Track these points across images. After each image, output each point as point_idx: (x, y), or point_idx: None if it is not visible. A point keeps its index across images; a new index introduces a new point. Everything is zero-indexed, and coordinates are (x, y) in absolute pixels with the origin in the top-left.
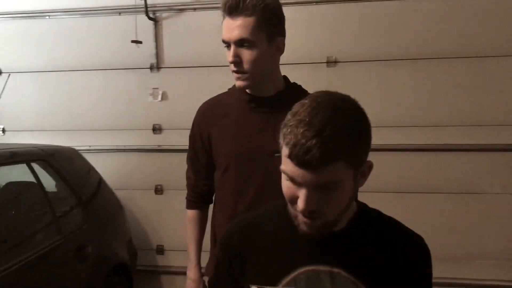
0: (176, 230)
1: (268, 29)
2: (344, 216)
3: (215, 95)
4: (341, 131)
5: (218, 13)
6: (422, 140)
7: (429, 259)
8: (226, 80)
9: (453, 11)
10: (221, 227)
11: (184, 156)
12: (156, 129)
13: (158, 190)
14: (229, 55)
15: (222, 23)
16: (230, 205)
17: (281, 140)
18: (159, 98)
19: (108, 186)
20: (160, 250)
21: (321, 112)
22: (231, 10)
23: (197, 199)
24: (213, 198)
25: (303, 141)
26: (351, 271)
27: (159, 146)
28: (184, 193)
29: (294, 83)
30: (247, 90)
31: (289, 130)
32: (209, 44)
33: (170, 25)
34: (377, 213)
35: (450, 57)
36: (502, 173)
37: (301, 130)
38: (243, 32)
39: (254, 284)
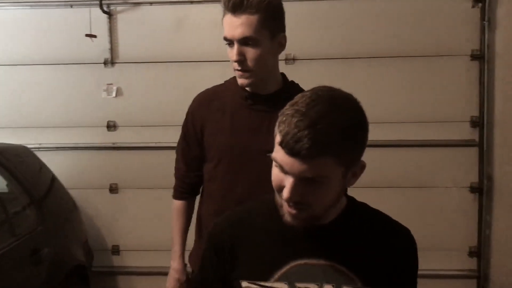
0: (131, 229)
1: (271, 26)
2: (333, 210)
3: (173, 91)
4: (335, 127)
5: (176, 7)
6: (375, 136)
7: (415, 251)
8: (185, 75)
9: (405, 12)
10: (207, 220)
11: (140, 154)
12: (111, 126)
13: (113, 189)
14: (233, 53)
15: (222, 19)
16: (218, 199)
17: (276, 128)
18: (114, 94)
19: (62, 185)
20: (116, 251)
21: (319, 105)
22: (235, 8)
23: (186, 189)
24: (201, 189)
25: (295, 130)
26: (343, 264)
27: (113, 143)
28: (140, 192)
29: (292, 82)
30: (247, 88)
31: (284, 118)
32: (166, 39)
33: (126, 19)
34: (365, 206)
35: (403, 55)
36: (451, 168)
37: (295, 120)
38: (246, 30)
39: (245, 279)
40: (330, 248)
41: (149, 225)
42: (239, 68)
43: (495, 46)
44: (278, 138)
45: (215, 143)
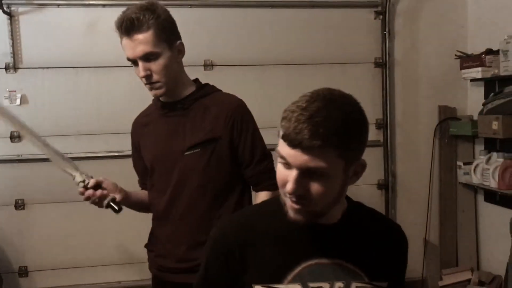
0: (41, 248)
1: (166, 37)
2: (337, 209)
3: (85, 97)
4: (333, 120)
5: (87, 10)
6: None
7: (407, 246)
8: (97, 81)
9: (316, 22)
10: (153, 224)
11: (49, 166)
12: (15, 137)
13: (19, 205)
14: (139, 70)
15: (121, 43)
16: (156, 204)
17: (279, 124)
18: (18, 102)
19: None
20: (24, 272)
21: (318, 101)
22: (128, 30)
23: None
24: None
25: (296, 123)
26: (350, 261)
27: (18, 155)
28: (50, 207)
29: (206, 84)
30: (160, 98)
31: (286, 114)
32: (77, 43)
33: (29, 21)
34: (361, 205)
35: (315, 63)
36: None
37: (296, 114)
38: (145, 47)
39: (258, 284)
40: (337, 247)
41: (60, 242)
42: (148, 82)
43: (394, 54)
44: (281, 133)
45: (147, 157)
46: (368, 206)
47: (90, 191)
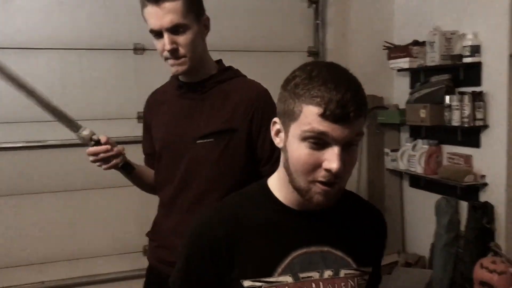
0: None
1: (195, 9)
2: None
3: None
4: (359, 88)
5: None
6: None
7: (387, 228)
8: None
9: (251, 10)
10: (158, 212)
11: (21, 155)
12: None
13: None
14: (163, 43)
15: (143, 12)
16: (162, 192)
17: (298, 104)
18: None
19: None
20: None
21: (339, 72)
22: None
23: None
24: None
25: (339, 96)
26: (338, 248)
27: None
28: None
29: (229, 67)
30: (179, 77)
31: (315, 92)
32: None
33: None
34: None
35: (250, 50)
36: None
37: (333, 86)
38: (175, 17)
39: (248, 278)
40: (325, 234)
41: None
42: (174, 57)
43: (327, 43)
44: (314, 110)
45: (158, 137)
46: (348, 190)
47: (104, 147)
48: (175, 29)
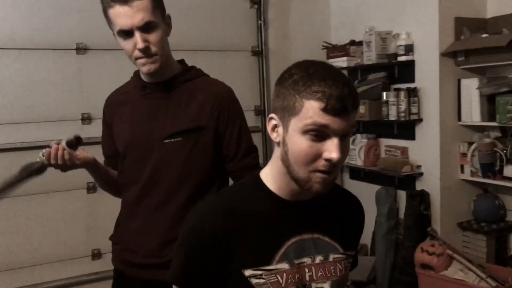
0: None
1: (160, 6)
2: None
3: None
4: (352, 84)
5: None
6: None
7: (364, 214)
8: None
9: (196, 9)
10: (121, 214)
11: None
12: None
13: None
14: (138, 41)
15: (108, 13)
16: (126, 192)
17: (299, 100)
18: None
19: None
20: None
21: (333, 69)
22: None
23: None
24: None
25: (338, 91)
26: (326, 234)
27: None
28: None
29: (192, 66)
30: (143, 77)
31: (316, 88)
32: None
33: None
34: None
35: (196, 49)
36: None
37: (331, 82)
38: (145, 15)
39: (248, 267)
40: (314, 222)
41: None
42: (146, 55)
43: (269, 43)
44: (316, 105)
45: (121, 137)
46: None
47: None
48: (146, 27)
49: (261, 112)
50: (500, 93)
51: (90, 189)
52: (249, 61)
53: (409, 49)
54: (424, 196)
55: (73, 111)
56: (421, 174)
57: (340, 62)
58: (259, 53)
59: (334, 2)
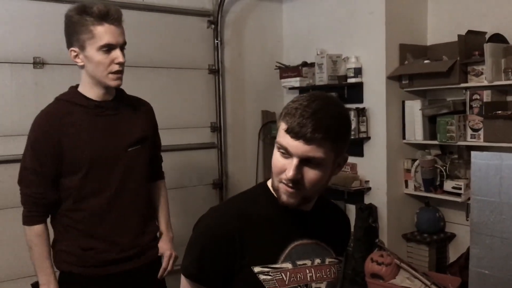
0: None
1: None
2: (314, 198)
3: None
4: (332, 117)
5: None
6: None
7: (350, 224)
8: None
9: (155, 28)
10: (87, 228)
11: None
12: None
13: None
14: (120, 56)
15: (93, 29)
16: (92, 203)
17: (280, 119)
18: None
19: None
20: None
21: (317, 100)
22: (118, 19)
23: (43, 212)
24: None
25: (301, 119)
26: (323, 240)
27: None
28: None
29: (121, 89)
30: (93, 97)
31: (289, 110)
32: None
33: None
34: (322, 197)
35: (154, 66)
36: (197, 169)
37: (300, 111)
38: (124, 37)
39: (257, 265)
40: (314, 229)
41: None
42: (120, 70)
43: (225, 62)
44: (284, 126)
45: (82, 156)
46: (324, 197)
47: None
48: (123, 47)
49: (216, 129)
50: (441, 114)
51: None
52: (206, 78)
53: (358, 71)
54: (372, 209)
55: (28, 126)
56: (369, 188)
57: (293, 82)
58: (216, 71)
59: (287, 25)
